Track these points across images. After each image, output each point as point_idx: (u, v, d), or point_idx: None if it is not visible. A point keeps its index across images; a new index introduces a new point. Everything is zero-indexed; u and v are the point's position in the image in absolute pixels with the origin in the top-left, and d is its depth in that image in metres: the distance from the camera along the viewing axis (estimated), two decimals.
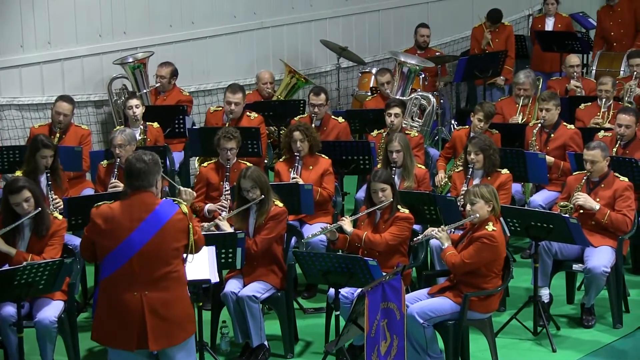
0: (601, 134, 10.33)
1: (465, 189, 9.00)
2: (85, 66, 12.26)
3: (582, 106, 11.54)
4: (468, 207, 8.05)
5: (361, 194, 10.11)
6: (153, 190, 6.49)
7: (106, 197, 9.04)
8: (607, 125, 11.01)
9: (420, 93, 12.42)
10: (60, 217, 8.17)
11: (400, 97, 12.07)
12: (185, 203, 6.58)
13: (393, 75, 12.49)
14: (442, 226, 8.30)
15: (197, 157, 11.37)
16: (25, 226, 7.95)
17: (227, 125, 10.89)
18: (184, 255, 6.53)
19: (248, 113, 11.25)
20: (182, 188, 6.94)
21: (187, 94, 12.30)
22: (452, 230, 8.54)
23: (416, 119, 12.05)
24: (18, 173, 9.40)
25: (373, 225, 8.59)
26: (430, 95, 12.43)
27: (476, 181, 9.34)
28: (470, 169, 9.50)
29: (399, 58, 12.64)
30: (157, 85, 12.09)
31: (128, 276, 6.38)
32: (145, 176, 6.43)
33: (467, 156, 9.54)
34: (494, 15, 14.37)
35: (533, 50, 14.84)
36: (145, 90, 12.00)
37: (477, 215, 7.99)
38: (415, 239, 8.44)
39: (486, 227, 7.92)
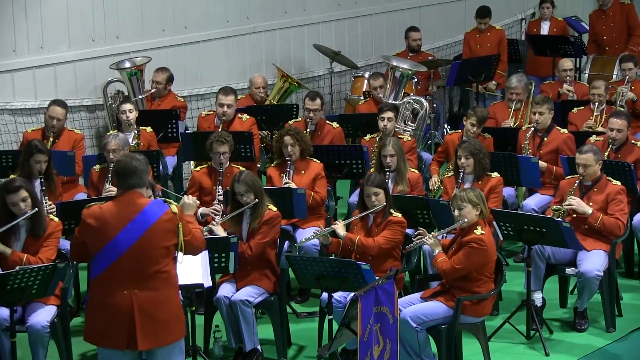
0: (593, 138, 10.34)
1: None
2: (78, 71, 12.24)
3: (574, 110, 11.56)
4: (456, 212, 8.06)
5: (354, 198, 10.12)
6: (144, 190, 6.56)
7: (99, 202, 9.10)
8: (600, 129, 11.02)
9: (413, 97, 12.43)
10: (56, 219, 8.16)
11: (393, 102, 12.06)
12: (175, 203, 6.61)
13: (386, 79, 12.49)
14: (432, 232, 8.30)
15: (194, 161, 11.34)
16: (21, 227, 7.93)
17: (219, 128, 10.88)
18: (176, 254, 6.56)
19: (240, 115, 11.26)
20: (185, 198, 6.83)
21: (182, 99, 12.31)
22: (445, 235, 8.54)
23: (409, 123, 12.05)
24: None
25: (366, 229, 8.59)
26: (423, 100, 12.43)
27: (467, 185, 9.33)
28: (461, 174, 9.51)
29: (392, 62, 12.63)
30: (152, 90, 12.09)
31: (117, 275, 6.42)
32: (140, 174, 6.52)
33: (458, 160, 9.55)
34: (482, 10, 14.35)
35: (528, 55, 14.85)
36: (140, 96, 12.00)
37: (466, 219, 7.99)
38: (407, 246, 8.45)
39: (475, 231, 7.93)
